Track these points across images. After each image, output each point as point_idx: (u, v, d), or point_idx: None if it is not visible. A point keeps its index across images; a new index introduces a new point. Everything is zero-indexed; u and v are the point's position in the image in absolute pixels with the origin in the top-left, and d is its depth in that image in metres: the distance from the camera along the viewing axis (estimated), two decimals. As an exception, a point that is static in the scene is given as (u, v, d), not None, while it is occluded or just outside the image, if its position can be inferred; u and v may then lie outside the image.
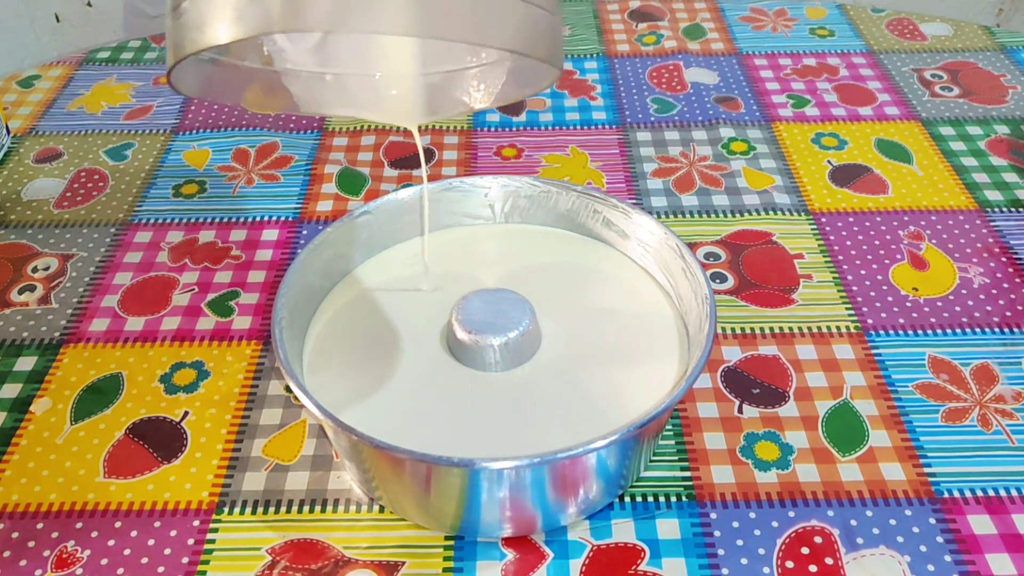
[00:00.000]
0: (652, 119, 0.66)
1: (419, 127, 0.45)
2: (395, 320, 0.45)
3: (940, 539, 0.40)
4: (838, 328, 0.49)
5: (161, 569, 0.39)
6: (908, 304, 0.51)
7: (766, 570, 0.38)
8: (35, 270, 0.54)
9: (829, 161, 0.62)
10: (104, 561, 0.39)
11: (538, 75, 0.42)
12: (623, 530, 0.40)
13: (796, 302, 0.51)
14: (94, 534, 0.40)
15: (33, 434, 0.45)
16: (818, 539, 0.40)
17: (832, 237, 0.55)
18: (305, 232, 0.57)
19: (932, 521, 0.40)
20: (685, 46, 0.75)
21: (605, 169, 0.62)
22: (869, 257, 0.54)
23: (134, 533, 0.40)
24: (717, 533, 0.40)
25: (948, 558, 0.39)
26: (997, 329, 0.49)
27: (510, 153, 0.63)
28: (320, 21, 0.31)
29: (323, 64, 0.42)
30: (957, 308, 0.51)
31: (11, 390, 0.47)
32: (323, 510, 0.41)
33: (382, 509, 0.41)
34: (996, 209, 0.57)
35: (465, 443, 0.39)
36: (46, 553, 0.40)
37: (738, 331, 0.49)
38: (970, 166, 0.61)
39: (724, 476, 0.42)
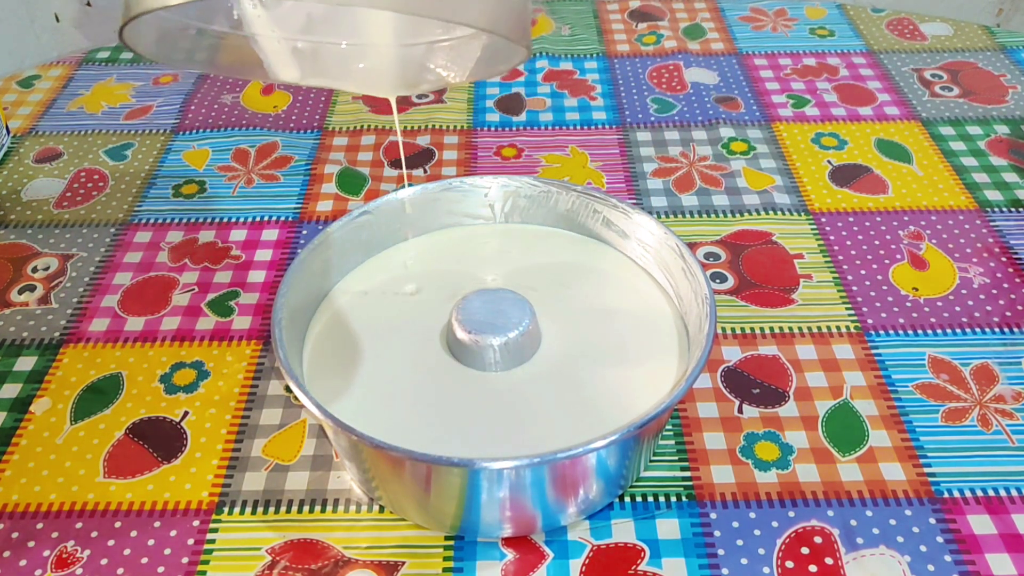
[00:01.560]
0: (652, 119, 0.66)
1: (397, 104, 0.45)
2: (395, 320, 0.45)
3: (940, 539, 0.40)
4: (838, 328, 0.49)
5: (161, 569, 0.39)
6: (908, 304, 0.51)
7: (766, 570, 0.38)
8: (35, 270, 0.54)
9: (829, 161, 0.62)
10: (104, 561, 0.39)
11: (509, 53, 0.41)
12: (623, 530, 0.40)
13: (796, 302, 0.51)
14: (94, 534, 0.40)
15: (33, 434, 0.45)
16: (818, 539, 0.40)
17: (832, 237, 0.55)
18: (305, 232, 0.57)
19: (932, 521, 0.40)
20: (685, 46, 0.75)
21: (605, 169, 0.62)
22: (869, 257, 0.54)
23: (134, 533, 0.40)
24: (717, 533, 0.40)
25: (948, 558, 0.39)
26: (997, 329, 0.49)
27: (510, 153, 0.63)
28: None
29: (295, 32, 0.41)
30: (957, 308, 0.51)
31: (11, 390, 0.47)
32: (323, 510, 0.41)
33: (382, 509, 0.41)
34: (996, 209, 0.57)
35: (465, 443, 0.39)
36: (46, 553, 0.40)
37: (738, 331, 0.49)
38: (970, 166, 0.61)
39: (724, 476, 0.42)
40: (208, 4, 0.39)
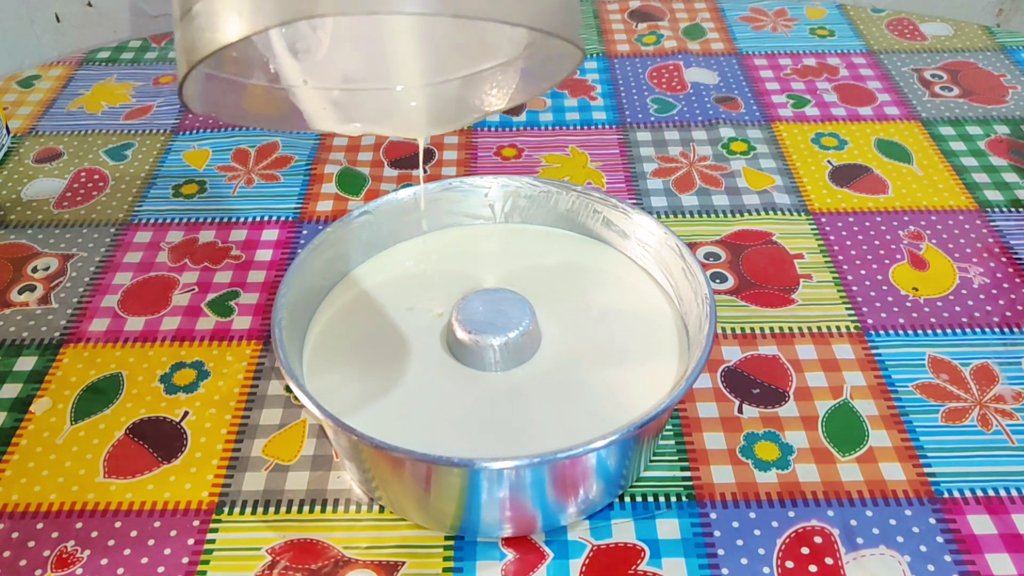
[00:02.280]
0: (652, 119, 0.66)
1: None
2: (395, 320, 0.45)
3: (940, 539, 0.40)
4: (838, 328, 0.49)
5: (161, 569, 0.39)
6: (908, 304, 0.51)
7: (766, 570, 0.38)
8: (35, 270, 0.54)
9: (829, 161, 0.62)
10: (104, 561, 0.39)
11: (553, 67, 0.41)
12: (623, 530, 0.40)
13: (796, 302, 0.51)
14: (94, 534, 0.40)
15: (33, 434, 0.45)
16: (818, 539, 0.40)
17: (832, 237, 0.55)
18: (305, 232, 0.57)
19: (932, 521, 0.40)
20: (685, 46, 0.75)
21: (605, 169, 0.62)
22: (869, 257, 0.54)
23: (134, 533, 0.40)
24: (717, 533, 0.40)
25: (948, 558, 0.39)
26: (997, 329, 0.49)
27: (510, 153, 0.63)
28: (336, 5, 0.31)
29: (330, 80, 0.41)
30: (957, 308, 0.51)
31: (11, 390, 0.47)
32: (323, 510, 0.41)
33: (382, 509, 0.41)
34: (996, 209, 0.57)
35: (465, 443, 0.39)
36: (46, 553, 0.40)
37: (738, 331, 0.49)
38: (970, 166, 0.61)
39: (724, 476, 0.42)
40: (247, 58, 0.40)
